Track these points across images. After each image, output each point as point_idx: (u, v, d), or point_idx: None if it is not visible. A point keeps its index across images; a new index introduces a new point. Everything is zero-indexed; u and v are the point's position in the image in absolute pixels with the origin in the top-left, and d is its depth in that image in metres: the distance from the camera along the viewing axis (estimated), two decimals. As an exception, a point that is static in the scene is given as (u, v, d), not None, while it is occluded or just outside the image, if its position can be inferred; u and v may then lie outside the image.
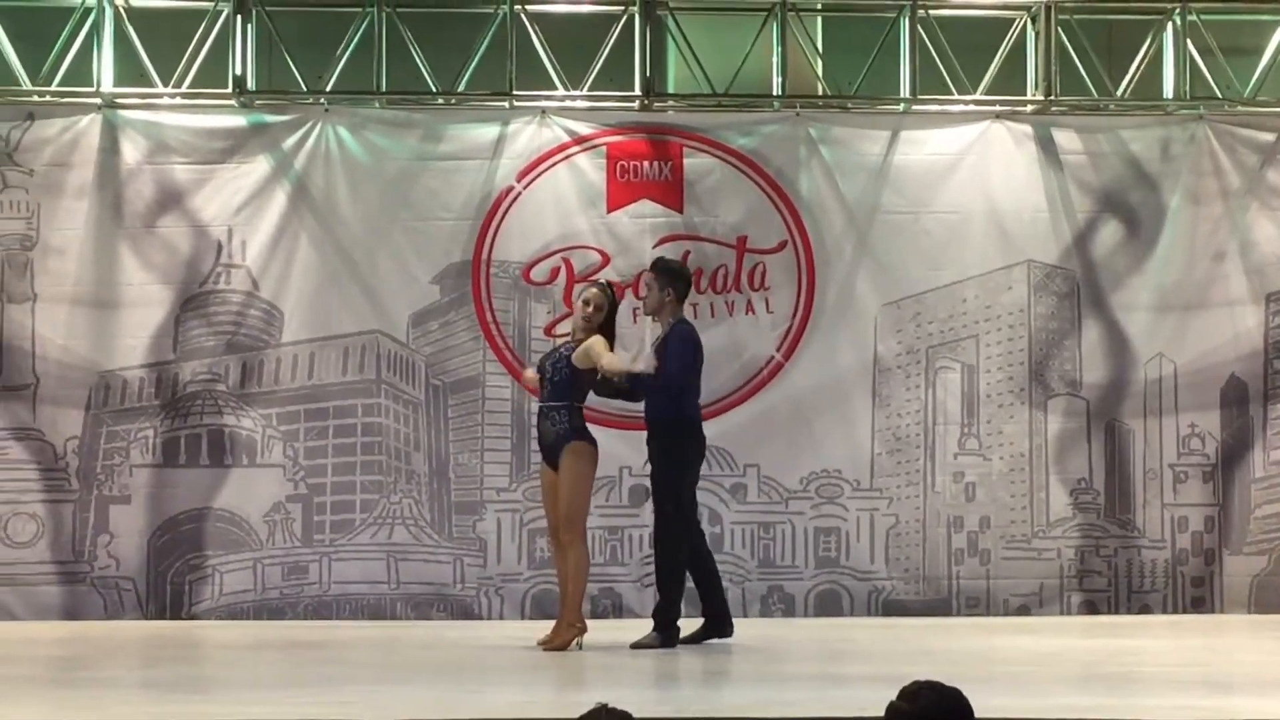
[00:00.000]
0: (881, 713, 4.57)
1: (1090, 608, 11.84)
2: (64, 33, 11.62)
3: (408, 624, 11.44)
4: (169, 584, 11.58)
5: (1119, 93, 12.02)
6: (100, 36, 11.62)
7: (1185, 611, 11.83)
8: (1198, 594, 11.90)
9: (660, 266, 10.31)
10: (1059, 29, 11.92)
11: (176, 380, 11.64)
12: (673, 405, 9.88)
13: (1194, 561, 11.92)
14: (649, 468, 10.20)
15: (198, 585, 11.58)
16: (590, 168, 11.85)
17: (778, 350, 11.81)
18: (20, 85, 11.68)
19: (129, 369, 11.63)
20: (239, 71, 11.68)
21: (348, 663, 9.53)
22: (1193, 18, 11.96)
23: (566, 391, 9.70)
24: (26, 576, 11.52)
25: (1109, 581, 11.89)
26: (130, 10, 11.69)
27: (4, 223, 11.62)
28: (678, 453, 9.87)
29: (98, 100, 11.68)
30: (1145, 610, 11.84)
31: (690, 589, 10.06)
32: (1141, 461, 11.93)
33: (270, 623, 11.44)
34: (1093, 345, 11.95)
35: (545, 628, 11.18)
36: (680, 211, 11.87)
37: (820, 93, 12.05)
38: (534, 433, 11.57)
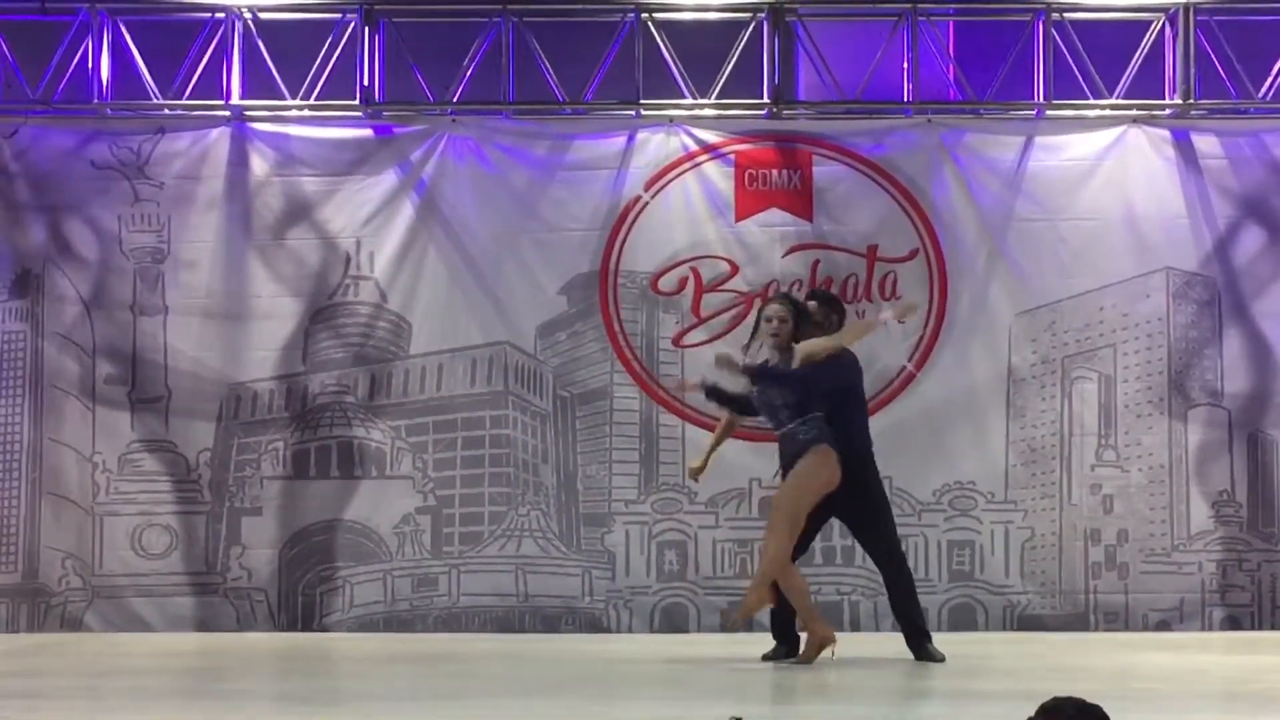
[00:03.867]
0: (1021, 731, 4.47)
1: (1233, 623, 11.59)
2: (193, 46, 11.72)
3: (536, 637, 11.41)
4: (300, 595, 11.63)
5: (1260, 95, 11.77)
6: (229, 49, 11.70)
7: (1331, 627, 11.56)
8: (1344, 609, 11.63)
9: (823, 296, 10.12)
10: (1197, 31, 11.69)
11: (306, 392, 11.70)
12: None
13: (1341, 576, 11.65)
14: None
15: (328, 597, 11.62)
16: (718, 176, 11.77)
17: (909, 361, 11.67)
18: (150, 99, 11.78)
19: (259, 381, 11.70)
20: (366, 83, 11.72)
21: (478, 676, 9.51)
22: (1337, 17, 11.70)
23: (805, 405, 9.44)
24: (160, 588, 11.61)
25: (1252, 597, 11.64)
26: (258, 22, 11.76)
27: (135, 235, 11.73)
28: None
29: (226, 113, 11.76)
30: (1290, 626, 11.58)
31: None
32: (1285, 473, 11.68)
33: (400, 635, 11.46)
34: (1234, 354, 11.71)
35: (675, 641, 11.15)
36: (810, 220, 11.77)
37: (952, 99, 11.90)
38: (662, 444, 11.58)
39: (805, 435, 9.40)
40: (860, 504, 9.72)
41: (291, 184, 11.76)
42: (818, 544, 10.41)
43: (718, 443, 10.17)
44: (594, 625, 11.58)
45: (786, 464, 9.54)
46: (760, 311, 9.80)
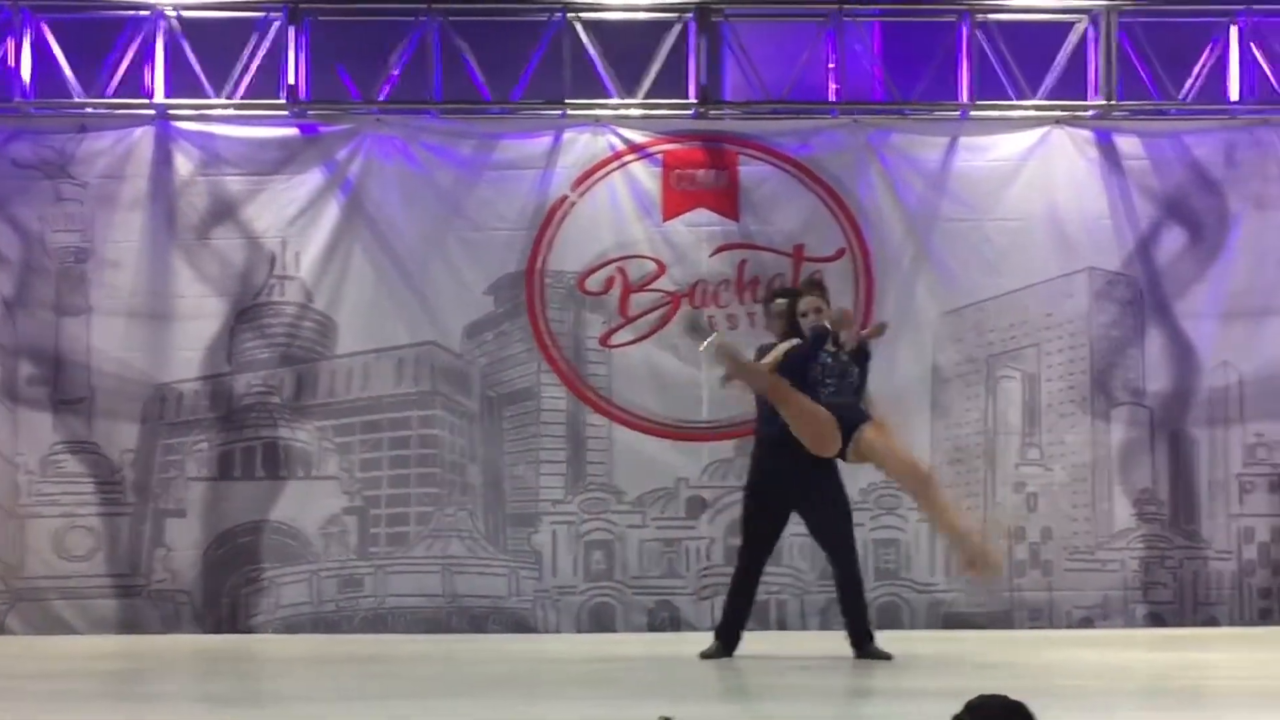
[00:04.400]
0: (948, 728, 4.49)
1: (1155, 620, 11.69)
2: (117, 44, 11.63)
3: (463, 638, 11.38)
4: (225, 597, 11.56)
5: (1181, 97, 11.87)
6: (153, 47, 11.62)
7: (1252, 623, 11.67)
8: (1265, 605, 11.74)
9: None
10: (1120, 32, 11.78)
11: (231, 393, 11.62)
12: None
13: (1261, 573, 11.76)
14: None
15: (254, 598, 11.56)
16: (645, 176, 11.78)
17: (836, 360, 11.68)
18: (73, 97, 11.68)
19: (184, 381, 11.62)
20: (291, 82, 11.66)
21: (404, 676, 9.48)
22: (1256, 20, 11.80)
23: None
24: (84, 590, 11.51)
25: (1174, 593, 11.74)
26: (183, 20, 11.68)
27: (58, 235, 11.63)
28: None
29: (151, 112, 11.68)
30: (1211, 622, 11.68)
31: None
32: (1206, 471, 11.78)
33: (326, 636, 11.41)
34: (1156, 354, 11.81)
35: (602, 641, 11.14)
36: (736, 220, 11.79)
37: (878, 99, 11.95)
38: (589, 444, 11.58)
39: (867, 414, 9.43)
40: (824, 502, 9.78)
41: (216, 183, 11.69)
42: (738, 543, 10.43)
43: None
44: (521, 625, 11.56)
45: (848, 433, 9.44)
46: (786, 305, 9.81)
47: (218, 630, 11.48)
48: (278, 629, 11.50)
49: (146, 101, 11.67)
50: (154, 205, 11.66)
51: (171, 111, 11.72)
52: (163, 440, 11.60)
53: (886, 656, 9.65)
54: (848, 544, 9.86)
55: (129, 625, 11.47)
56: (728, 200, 11.79)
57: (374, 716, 7.86)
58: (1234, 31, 11.83)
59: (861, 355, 9.54)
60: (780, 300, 10.09)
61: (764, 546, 9.99)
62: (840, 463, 9.61)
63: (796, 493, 9.76)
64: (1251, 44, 11.79)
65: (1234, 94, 11.88)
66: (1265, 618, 11.70)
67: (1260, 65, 11.82)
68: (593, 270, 11.74)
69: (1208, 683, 9.30)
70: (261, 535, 11.58)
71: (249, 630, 11.50)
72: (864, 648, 9.75)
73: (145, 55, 11.64)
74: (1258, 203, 11.85)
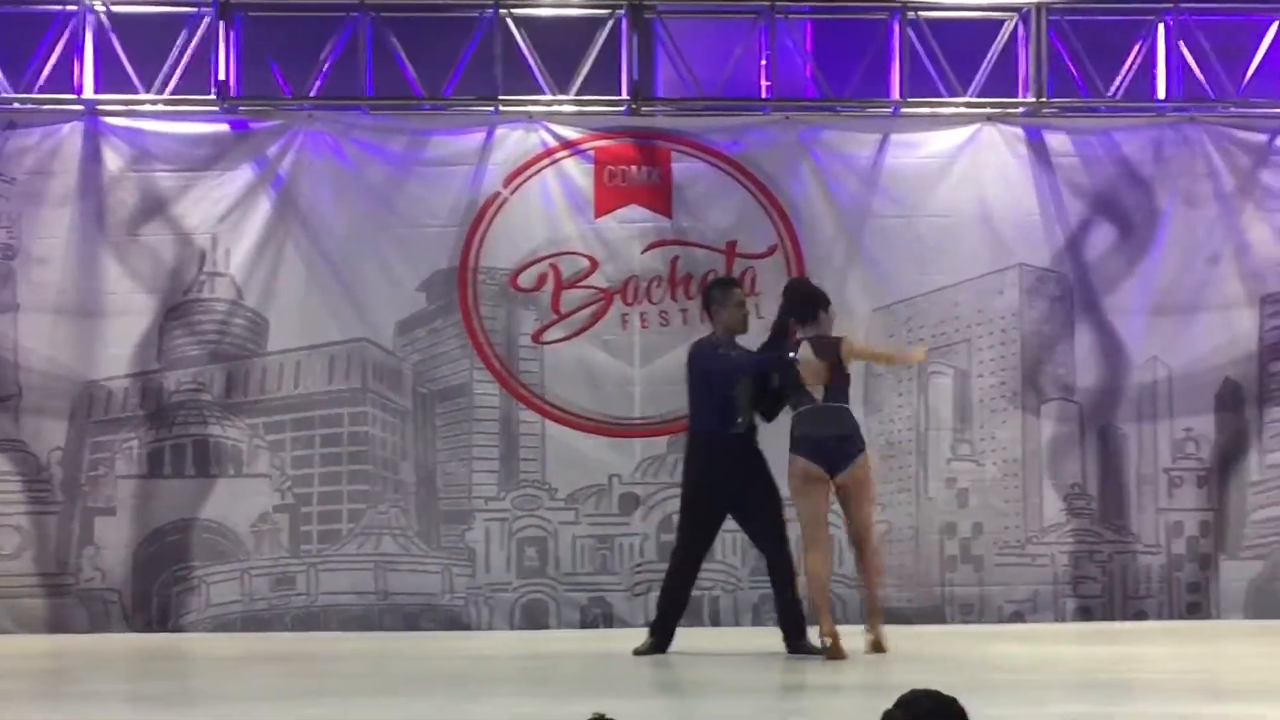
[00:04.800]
0: (879, 722, 4.50)
1: (1085, 614, 11.77)
2: (45, 39, 11.53)
3: (396, 635, 11.34)
4: (155, 596, 11.48)
5: (1110, 94, 11.95)
6: (81, 42, 11.53)
7: (1181, 617, 11.76)
8: (1193, 599, 11.83)
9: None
10: (1049, 30, 11.85)
11: (161, 390, 11.54)
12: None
13: (1189, 567, 11.85)
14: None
15: (184, 597, 11.48)
16: (578, 173, 11.77)
17: (768, 356, 11.70)
18: (0, 93, 11.57)
19: (113, 379, 11.54)
20: (222, 78, 11.58)
21: (336, 675, 9.44)
22: (1184, 18, 11.89)
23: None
24: (11, 589, 11.41)
25: (1104, 588, 11.81)
26: (112, 16, 11.59)
27: (-14, 232, 11.53)
28: None
29: (79, 107, 11.58)
30: (1140, 616, 11.77)
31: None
32: (1136, 466, 11.86)
33: (258, 634, 11.34)
34: (1086, 349, 11.88)
35: (535, 637, 11.13)
36: (669, 216, 11.79)
37: (810, 96, 11.97)
38: (522, 440, 11.56)
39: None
40: (757, 501, 9.87)
41: (146, 179, 11.60)
42: (671, 539, 10.46)
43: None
44: (454, 622, 11.53)
45: (846, 443, 9.68)
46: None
47: (148, 629, 11.41)
48: (208, 628, 11.44)
49: (75, 97, 11.57)
50: (83, 201, 11.57)
51: (100, 107, 11.63)
52: (92, 438, 11.51)
53: (819, 652, 9.68)
54: (783, 541, 9.91)
55: (57, 625, 11.37)
56: (660, 197, 11.79)
57: (305, 715, 7.83)
58: (1162, 29, 11.92)
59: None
60: (739, 290, 10.24)
61: (701, 544, 10.08)
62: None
63: (732, 491, 9.86)
64: (1179, 42, 11.87)
65: (1162, 92, 11.97)
66: (1193, 612, 11.79)
67: (1188, 63, 11.91)
68: (525, 267, 11.72)
69: (1136, 676, 9.37)
70: (192, 533, 11.51)
71: (179, 629, 11.42)
72: (796, 643, 9.78)
73: (74, 51, 11.54)
74: (1186, 199, 11.94)
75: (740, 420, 9.83)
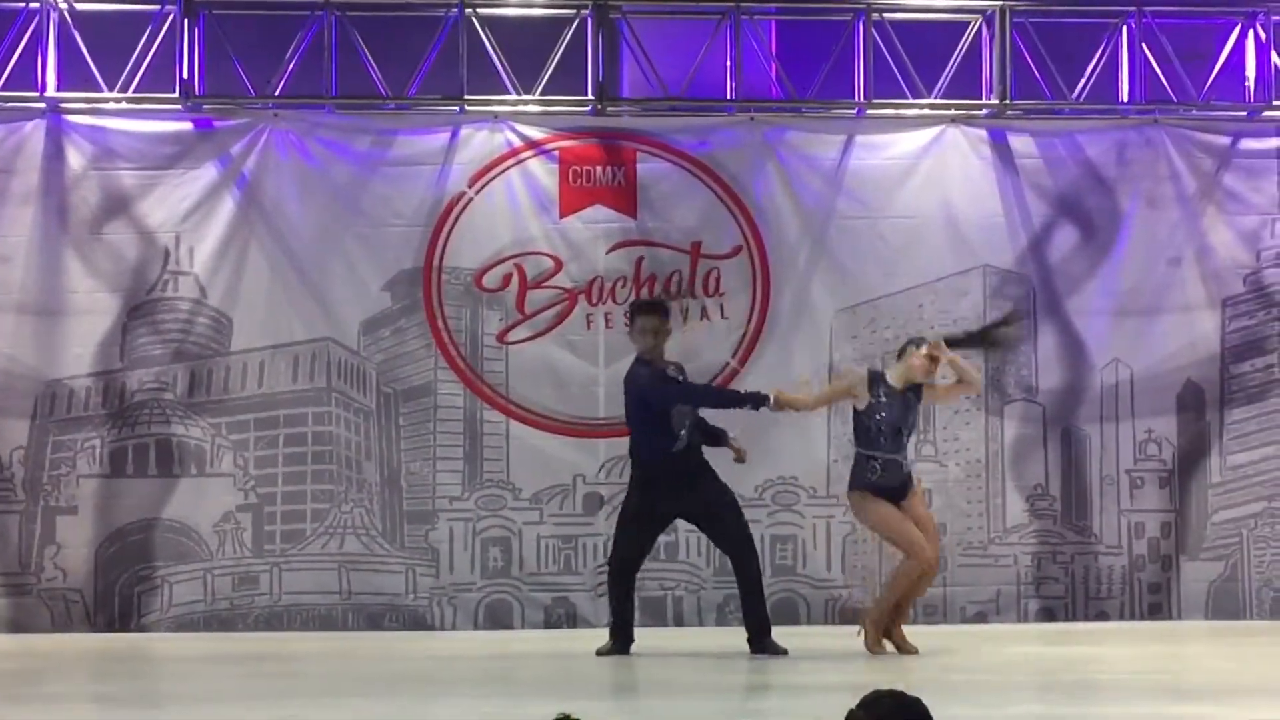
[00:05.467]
0: (842, 723, 4.51)
1: (1047, 615, 11.81)
2: (7, 36, 11.48)
3: (360, 635, 11.33)
4: (117, 596, 11.45)
5: (1074, 96, 12.00)
6: (44, 40, 11.48)
7: (1142, 618, 11.81)
8: (1155, 600, 11.88)
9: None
10: (1013, 33, 11.89)
11: (124, 389, 11.51)
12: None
13: (1151, 568, 11.90)
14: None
15: (147, 597, 11.45)
16: (543, 173, 11.76)
17: (733, 356, 11.75)
18: (-38, 90, 11.53)
19: (75, 378, 11.49)
20: (186, 76, 11.55)
21: (300, 675, 9.42)
22: (1147, 21, 11.94)
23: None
24: (-28, 589, 11.36)
25: (1066, 588, 11.86)
26: (75, 13, 11.55)
27: (-53, 230, 11.47)
28: None
29: (42, 105, 11.54)
30: (1102, 617, 11.82)
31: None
32: (1098, 467, 11.91)
33: (220, 634, 11.32)
34: (1049, 351, 11.92)
35: (500, 638, 11.12)
36: (634, 217, 11.80)
37: (774, 97, 11.99)
38: (486, 440, 11.56)
39: (909, 466, 9.95)
40: (714, 507, 9.90)
41: (109, 178, 11.56)
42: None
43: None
44: (418, 623, 11.52)
45: (896, 487, 9.75)
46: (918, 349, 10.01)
47: (109, 629, 11.37)
48: (170, 628, 11.40)
49: (37, 95, 11.53)
50: (45, 199, 11.53)
51: (63, 105, 11.59)
52: (54, 437, 11.46)
53: (783, 652, 9.70)
54: (749, 543, 9.94)
55: (18, 624, 11.33)
56: (625, 197, 11.80)
57: (268, 715, 7.81)
58: (1125, 32, 11.97)
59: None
60: (652, 319, 9.99)
61: (643, 554, 10.11)
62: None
63: (685, 506, 9.92)
64: (1143, 45, 11.92)
65: (1125, 94, 12.02)
66: (1155, 612, 11.85)
67: (1151, 66, 11.96)
68: (490, 267, 11.71)
69: (1096, 676, 9.40)
70: (154, 533, 11.47)
71: (141, 629, 11.39)
72: (760, 643, 9.80)
73: (37, 48, 11.49)
74: (1148, 201, 11.99)
75: (681, 437, 9.80)
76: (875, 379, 9.89)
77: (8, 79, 11.53)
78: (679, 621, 11.54)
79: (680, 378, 9.99)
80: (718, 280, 11.75)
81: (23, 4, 11.50)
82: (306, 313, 11.60)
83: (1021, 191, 11.96)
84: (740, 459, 10.05)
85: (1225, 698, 8.22)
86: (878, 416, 9.77)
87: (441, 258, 11.68)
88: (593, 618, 11.45)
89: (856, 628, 9.97)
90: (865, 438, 9.81)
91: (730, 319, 11.75)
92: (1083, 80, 11.99)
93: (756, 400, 9.83)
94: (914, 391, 9.89)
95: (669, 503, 9.85)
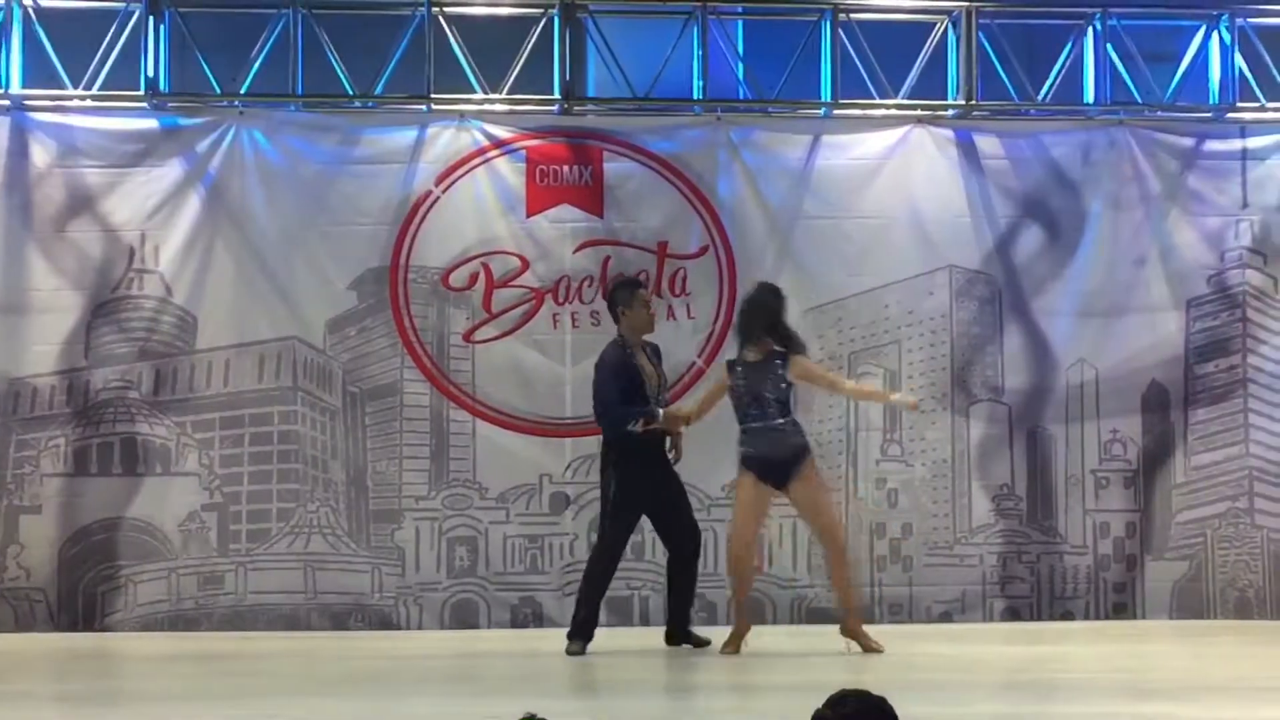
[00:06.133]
0: (808, 722, 4.51)
1: (1013, 614, 11.83)
2: (-29, 33, 11.44)
3: (325, 634, 11.30)
4: (81, 595, 11.39)
5: (1040, 98, 12.03)
6: (8, 37, 11.43)
7: (1107, 617, 11.85)
8: (1119, 600, 11.92)
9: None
10: (980, 33, 11.91)
11: (88, 388, 11.46)
12: None
13: (1116, 567, 11.94)
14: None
15: (111, 596, 11.40)
16: (510, 172, 11.75)
17: (699, 356, 11.75)
18: (-74, 87, 11.47)
19: (39, 376, 11.44)
20: (151, 73, 11.51)
21: (265, 674, 9.40)
22: (1113, 23, 11.98)
23: (792, 406, 9.97)
24: (-66, 588, 11.31)
25: (1031, 588, 11.89)
26: (39, 10, 11.50)
27: (-90, 227, 11.41)
28: None
29: (6, 102, 11.48)
30: (1067, 616, 11.85)
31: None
32: (1063, 467, 11.94)
33: (185, 634, 11.28)
34: (1014, 351, 11.95)
35: (465, 637, 11.11)
36: (601, 216, 11.79)
37: (741, 97, 12.00)
38: (453, 440, 11.54)
39: (799, 438, 9.94)
40: (676, 502, 10.18)
41: (74, 175, 11.51)
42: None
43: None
44: (384, 622, 11.49)
45: (774, 458, 9.81)
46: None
47: (73, 629, 11.32)
48: (134, 627, 11.36)
49: (1, 92, 11.47)
50: (9, 197, 11.47)
51: (28, 102, 11.53)
52: (16, 435, 11.41)
53: (705, 642, 10.08)
54: (698, 536, 10.30)
55: (-19, 624, 11.28)
56: (592, 197, 11.79)
57: (233, 715, 7.79)
58: (1091, 34, 12.00)
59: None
60: (643, 290, 10.47)
61: (625, 545, 10.29)
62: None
63: (659, 494, 10.14)
64: (1108, 46, 11.96)
65: (1090, 95, 12.06)
66: (1119, 612, 11.88)
67: (1116, 67, 12.00)
68: (456, 266, 11.69)
69: (1059, 676, 9.43)
70: (118, 532, 11.42)
71: (105, 629, 11.34)
72: (684, 635, 10.12)
73: (1, 45, 11.43)
74: (1113, 203, 12.02)
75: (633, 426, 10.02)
76: (732, 365, 10.11)
77: (-29, 76, 11.48)
78: (645, 621, 11.53)
79: (656, 360, 10.30)
80: (684, 280, 11.75)
81: (-14, 1, 11.45)
82: (272, 311, 11.56)
83: (987, 192, 11.98)
84: (677, 457, 10.29)
85: (1185, 696, 8.26)
86: (737, 389, 9.96)
87: (408, 256, 11.66)
88: (559, 617, 11.42)
89: (844, 643, 10.00)
90: (737, 415, 10.03)
91: (696, 319, 11.75)
92: (1048, 81, 12.02)
93: (649, 415, 10.01)
94: (780, 359, 9.97)
95: (650, 492, 10.03)
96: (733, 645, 9.93)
